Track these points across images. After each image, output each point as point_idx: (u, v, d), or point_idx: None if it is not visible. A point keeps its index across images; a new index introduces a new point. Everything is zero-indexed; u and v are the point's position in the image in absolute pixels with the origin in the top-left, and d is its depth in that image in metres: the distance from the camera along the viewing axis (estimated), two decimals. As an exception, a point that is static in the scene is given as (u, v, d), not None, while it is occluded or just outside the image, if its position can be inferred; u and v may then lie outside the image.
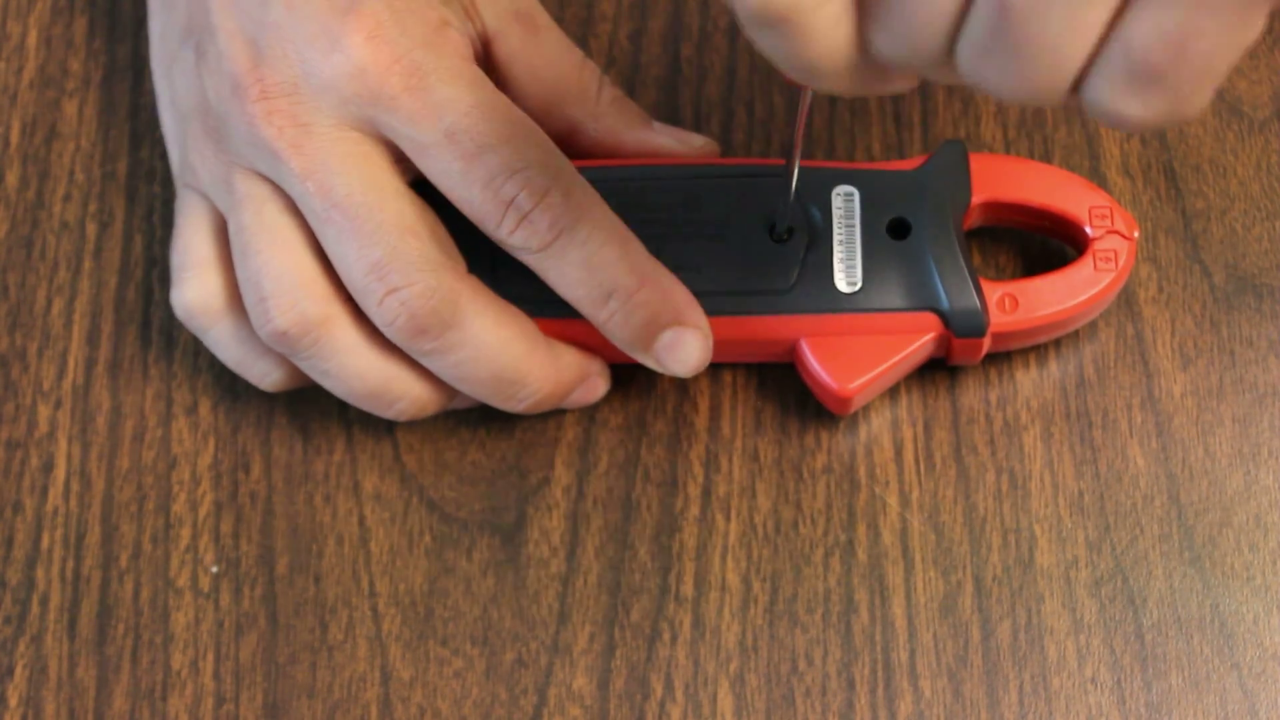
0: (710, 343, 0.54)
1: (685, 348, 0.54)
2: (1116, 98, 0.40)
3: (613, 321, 0.54)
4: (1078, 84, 0.41)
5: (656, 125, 0.58)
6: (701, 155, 0.58)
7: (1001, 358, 0.58)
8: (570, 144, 0.56)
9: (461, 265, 0.54)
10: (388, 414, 0.56)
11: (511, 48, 0.56)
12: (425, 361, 0.54)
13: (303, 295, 0.54)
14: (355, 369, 0.54)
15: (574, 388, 0.56)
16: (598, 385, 0.57)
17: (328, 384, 0.55)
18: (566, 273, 0.53)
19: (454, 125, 0.52)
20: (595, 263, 0.53)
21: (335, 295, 0.54)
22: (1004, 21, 0.39)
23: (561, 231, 0.53)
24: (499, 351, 0.54)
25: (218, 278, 0.56)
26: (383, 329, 0.53)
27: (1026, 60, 0.40)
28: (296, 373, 0.56)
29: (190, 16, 0.56)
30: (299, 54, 0.53)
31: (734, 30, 0.63)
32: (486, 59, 0.56)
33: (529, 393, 0.55)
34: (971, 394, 0.58)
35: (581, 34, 0.63)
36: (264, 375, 0.56)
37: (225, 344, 0.56)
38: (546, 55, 0.56)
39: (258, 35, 0.53)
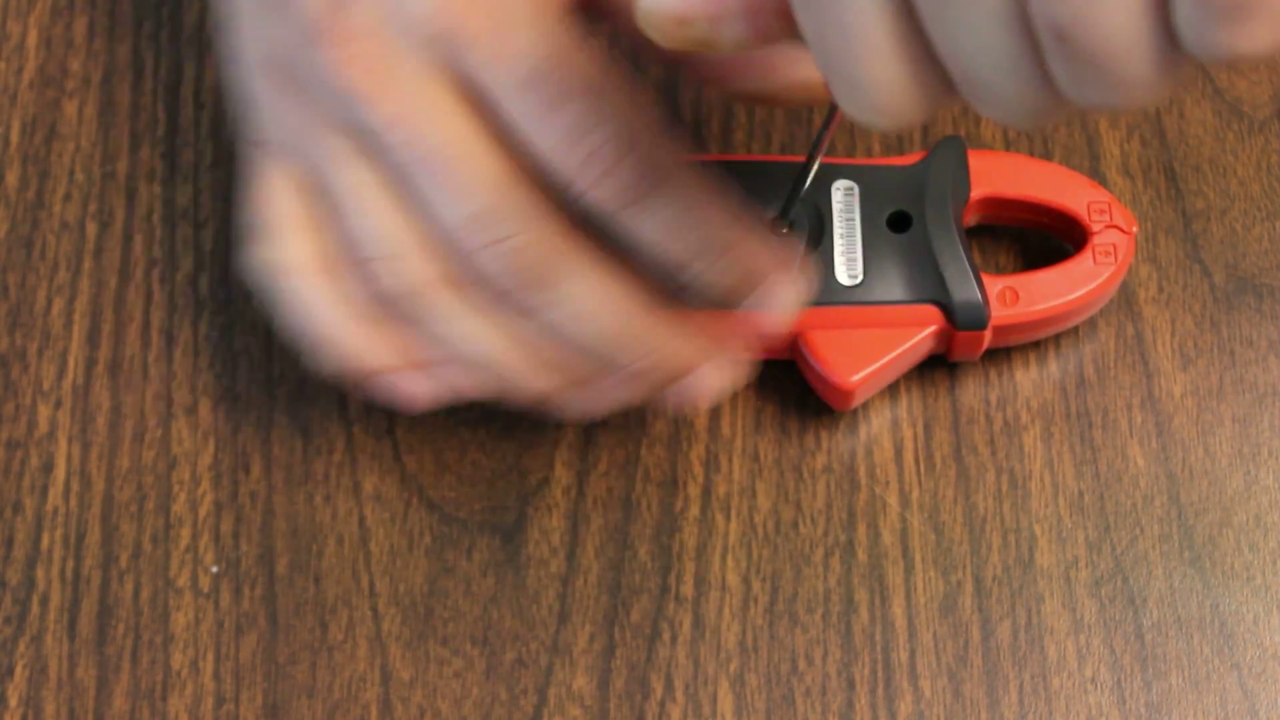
0: (801, 295, 0.52)
1: (775, 301, 0.52)
2: (1207, 29, 0.38)
3: (703, 280, 0.50)
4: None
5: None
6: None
7: (1002, 357, 0.58)
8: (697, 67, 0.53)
9: (561, 218, 0.51)
10: (502, 389, 0.53)
11: None
12: (523, 321, 0.51)
13: (408, 253, 0.51)
14: (468, 332, 0.52)
15: (679, 371, 0.52)
16: (710, 376, 0.53)
17: (441, 349, 0.52)
18: (653, 231, 0.50)
19: (535, 70, 0.49)
20: (685, 220, 0.50)
21: (440, 253, 0.51)
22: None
23: (645, 190, 0.49)
24: (599, 310, 0.51)
25: (306, 237, 0.53)
26: (477, 287, 0.51)
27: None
28: (389, 347, 0.53)
29: None
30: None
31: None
32: None
33: (630, 358, 0.51)
34: (971, 394, 0.58)
35: (581, 34, 0.63)
36: (353, 344, 0.53)
37: (314, 307, 0.53)
38: None
39: None
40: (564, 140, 0.49)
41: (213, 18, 0.63)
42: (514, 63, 0.49)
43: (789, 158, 0.57)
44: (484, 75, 0.50)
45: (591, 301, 0.51)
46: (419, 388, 0.53)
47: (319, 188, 0.52)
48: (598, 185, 0.49)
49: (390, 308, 0.52)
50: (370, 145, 0.51)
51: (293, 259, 0.53)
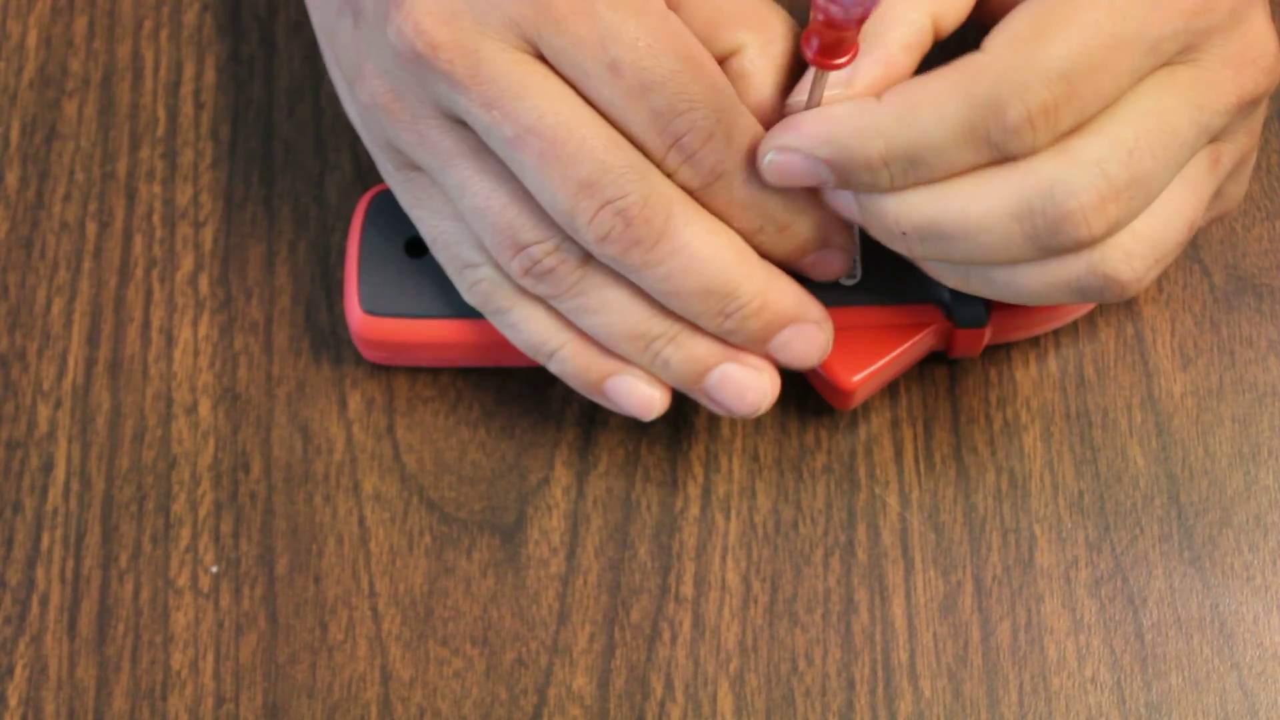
0: (850, 258, 0.55)
1: (825, 265, 0.54)
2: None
3: (764, 249, 0.53)
4: None
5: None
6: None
7: (1002, 357, 0.58)
8: (729, 68, 0.53)
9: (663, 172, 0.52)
10: (644, 359, 0.54)
11: None
12: (635, 276, 0.52)
13: (559, 233, 0.52)
14: (621, 304, 0.53)
15: (787, 317, 0.53)
16: (814, 335, 0.54)
17: (598, 324, 0.53)
18: (725, 208, 0.52)
19: (619, 57, 0.50)
20: (753, 201, 0.52)
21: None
22: None
23: (723, 174, 0.51)
24: (711, 259, 0.52)
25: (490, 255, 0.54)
26: (593, 246, 0.51)
27: None
28: (590, 349, 0.54)
29: None
30: None
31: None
32: None
33: (738, 305, 0.52)
34: (971, 394, 0.58)
35: (581, 34, 0.63)
36: (555, 351, 0.54)
37: (531, 319, 0.54)
38: None
39: None
40: (652, 124, 0.50)
41: (225, 35, 0.63)
42: (600, 47, 0.50)
43: None
44: (568, 57, 0.51)
45: (707, 245, 0.52)
46: (658, 389, 0.55)
47: (451, 189, 0.53)
48: (679, 170, 0.51)
49: (545, 290, 0.53)
50: (473, 126, 0.52)
51: (498, 277, 0.54)
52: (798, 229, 0.53)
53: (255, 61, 0.63)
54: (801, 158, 0.50)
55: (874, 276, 0.56)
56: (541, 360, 0.55)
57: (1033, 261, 0.51)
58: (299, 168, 0.61)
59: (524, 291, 0.54)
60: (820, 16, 0.47)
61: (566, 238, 0.52)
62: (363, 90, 0.53)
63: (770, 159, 0.51)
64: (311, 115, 0.62)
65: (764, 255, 0.53)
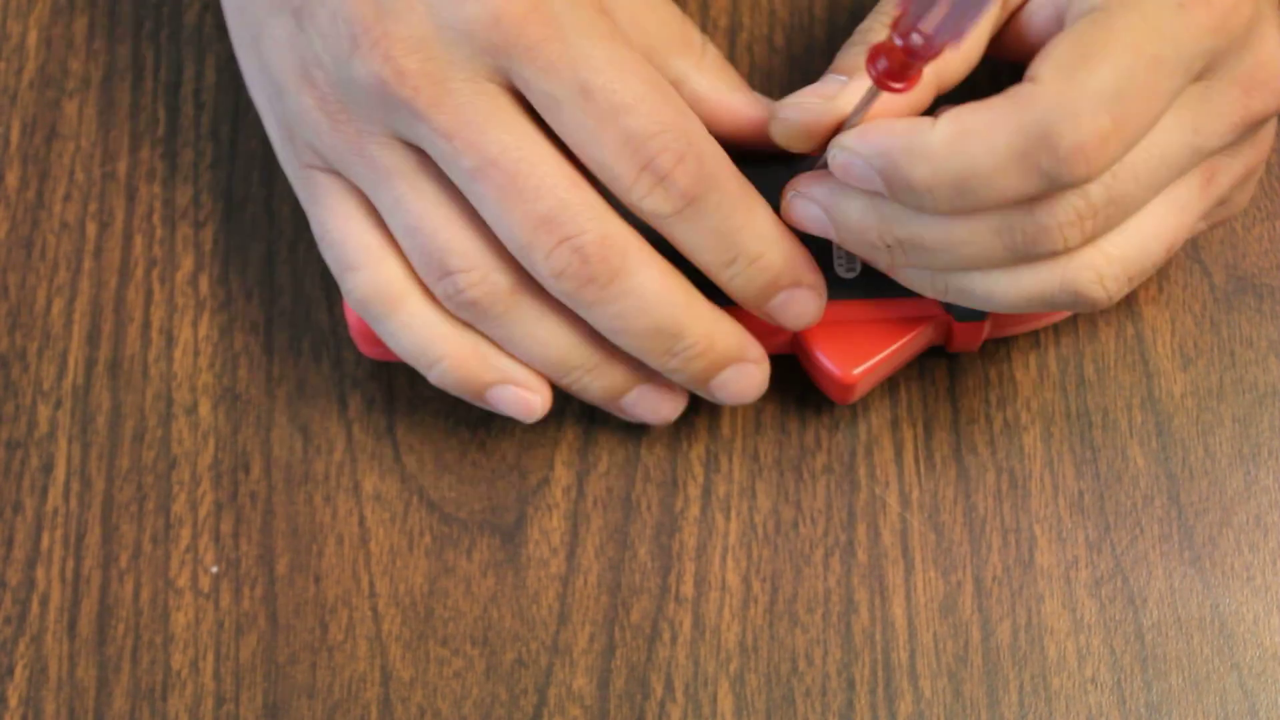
0: (823, 299, 0.54)
1: (798, 304, 0.54)
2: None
3: (734, 283, 0.53)
4: None
5: (754, 95, 0.56)
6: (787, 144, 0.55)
7: (1002, 358, 0.58)
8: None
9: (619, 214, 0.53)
10: (563, 384, 0.55)
11: None
12: (586, 313, 0.52)
13: (489, 262, 0.52)
14: (544, 335, 0.54)
15: (729, 358, 0.54)
16: (754, 375, 0.55)
17: (518, 351, 0.54)
18: (695, 237, 0.52)
19: (589, 81, 0.50)
20: (724, 229, 0.52)
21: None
22: None
23: (695, 197, 0.51)
24: (661, 301, 0.52)
25: (389, 261, 0.54)
26: (548, 281, 0.52)
27: None
28: (469, 360, 0.54)
29: None
30: (427, 4, 0.50)
31: (734, 30, 0.63)
32: None
33: (685, 346, 0.53)
34: (971, 394, 0.58)
35: (581, 34, 0.63)
36: (435, 363, 0.54)
37: (409, 328, 0.54)
38: (648, 3, 0.54)
39: None
40: (619, 152, 0.51)
41: (225, 35, 0.63)
42: (569, 73, 0.50)
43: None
44: (539, 85, 0.51)
45: (655, 288, 0.52)
46: (539, 394, 0.55)
47: (384, 205, 0.53)
48: (650, 195, 0.51)
49: (468, 317, 0.53)
50: (431, 157, 0.52)
51: (379, 285, 0.54)
52: (770, 260, 0.53)
53: (255, 61, 0.63)
54: (863, 162, 0.50)
55: (874, 270, 0.56)
56: (421, 370, 0.55)
57: (1008, 268, 0.51)
58: (299, 168, 0.61)
59: (403, 299, 0.54)
60: (899, 42, 0.47)
61: (495, 269, 0.53)
62: (307, 95, 0.53)
63: (836, 155, 0.51)
64: (311, 115, 0.62)
65: (735, 294, 0.53)
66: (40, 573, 0.56)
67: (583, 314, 0.53)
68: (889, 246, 0.51)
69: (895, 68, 0.48)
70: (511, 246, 0.52)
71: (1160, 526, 0.57)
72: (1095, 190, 0.49)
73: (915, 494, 0.57)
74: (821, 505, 0.57)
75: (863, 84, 0.51)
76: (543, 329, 0.54)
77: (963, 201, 0.49)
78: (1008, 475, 0.57)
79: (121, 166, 0.61)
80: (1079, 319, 0.59)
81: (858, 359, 0.55)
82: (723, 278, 0.53)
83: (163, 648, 0.56)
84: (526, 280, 0.53)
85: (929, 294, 0.53)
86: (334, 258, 0.55)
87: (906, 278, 0.53)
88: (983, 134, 0.48)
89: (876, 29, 0.53)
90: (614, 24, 0.52)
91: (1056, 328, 0.59)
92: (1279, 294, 0.59)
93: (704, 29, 0.63)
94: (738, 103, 0.55)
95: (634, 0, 0.54)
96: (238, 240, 0.60)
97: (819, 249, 0.56)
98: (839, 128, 0.52)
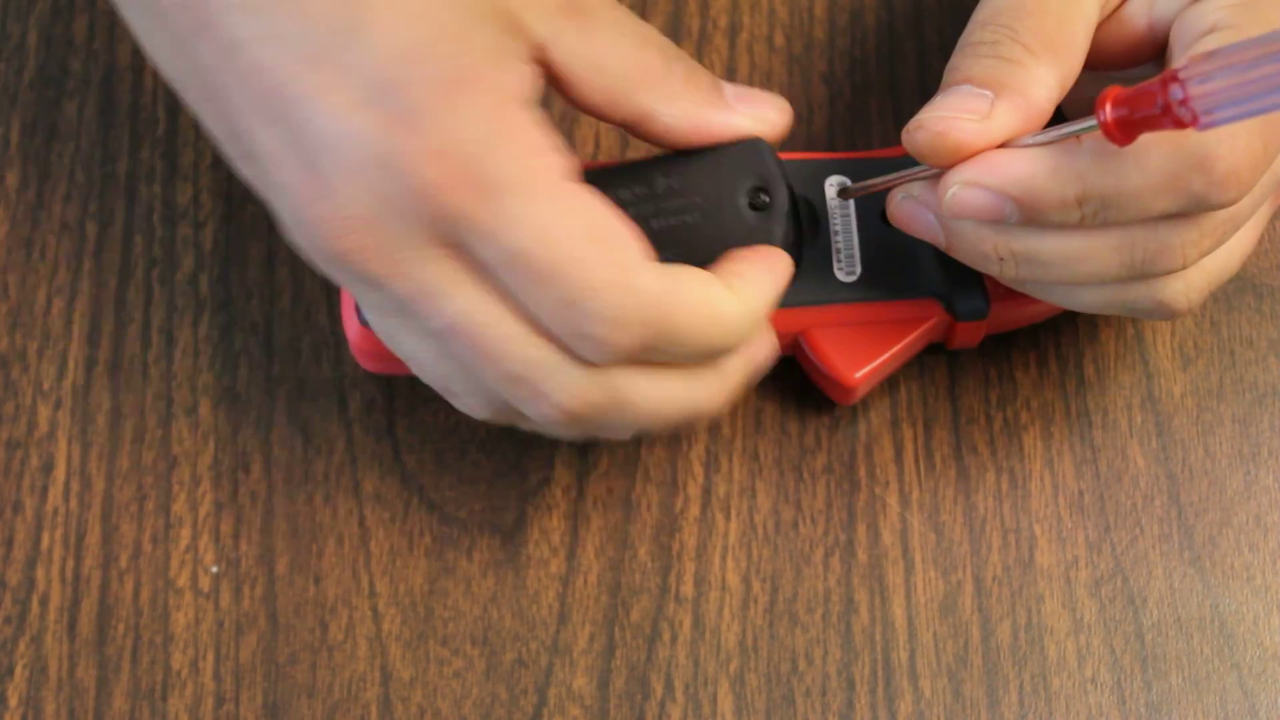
0: (772, 354, 0.54)
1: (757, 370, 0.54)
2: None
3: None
4: None
5: (730, 92, 0.54)
6: (780, 137, 0.55)
7: (1002, 358, 0.58)
8: (645, 131, 0.53)
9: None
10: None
11: (569, 47, 0.52)
12: (598, 433, 0.52)
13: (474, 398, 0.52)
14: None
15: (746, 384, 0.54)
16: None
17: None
18: (653, 365, 0.51)
19: (519, 248, 0.48)
20: (682, 353, 0.51)
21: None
22: None
23: (643, 347, 0.50)
24: (664, 408, 0.52)
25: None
26: (544, 426, 0.52)
27: None
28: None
29: (222, 110, 0.51)
30: (367, 184, 0.49)
31: (734, 30, 0.63)
32: (547, 67, 0.52)
33: (706, 419, 0.53)
34: (971, 394, 0.58)
35: (581, 34, 0.63)
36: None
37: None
38: (606, 42, 0.52)
39: (314, 159, 0.48)
40: (555, 316, 0.49)
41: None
42: (501, 239, 0.49)
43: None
44: (476, 251, 0.49)
45: (652, 402, 0.51)
46: None
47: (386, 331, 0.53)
48: (586, 353, 0.50)
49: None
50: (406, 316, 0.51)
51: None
52: (753, 350, 0.53)
53: (255, 61, 0.63)
54: (990, 194, 0.50)
55: (873, 272, 0.56)
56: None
57: (1111, 284, 0.51)
58: (299, 168, 0.61)
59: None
60: (1157, 109, 0.46)
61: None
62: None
63: (954, 193, 0.51)
64: (311, 115, 0.62)
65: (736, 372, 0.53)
66: (40, 573, 0.56)
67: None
68: (1002, 259, 0.51)
69: (1131, 123, 0.47)
70: (500, 396, 0.52)
71: (1160, 526, 0.57)
72: (1221, 210, 0.49)
73: (915, 494, 0.57)
74: (821, 505, 0.57)
75: (1014, 103, 0.50)
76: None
77: (1098, 220, 0.49)
78: (1008, 475, 0.57)
79: (121, 166, 0.61)
80: (1079, 319, 0.59)
81: (859, 362, 0.56)
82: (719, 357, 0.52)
83: (163, 648, 0.56)
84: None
85: (997, 276, 0.53)
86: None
87: (999, 271, 0.53)
88: (1137, 154, 0.48)
89: (1004, 42, 0.52)
90: (554, 170, 0.50)
91: (1057, 328, 0.59)
92: (1279, 294, 0.59)
93: (704, 29, 0.63)
94: (708, 122, 0.53)
95: (589, 49, 0.52)
96: (238, 240, 0.60)
97: (817, 252, 0.56)
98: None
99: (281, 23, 0.48)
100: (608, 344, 0.49)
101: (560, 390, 0.50)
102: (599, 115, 0.52)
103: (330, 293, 0.60)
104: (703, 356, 0.51)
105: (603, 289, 0.49)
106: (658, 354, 0.50)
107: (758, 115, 0.54)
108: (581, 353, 0.50)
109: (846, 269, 0.56)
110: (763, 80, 0.62)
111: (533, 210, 0.49)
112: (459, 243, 0.49)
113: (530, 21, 0.51)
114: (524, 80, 0.50)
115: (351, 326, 0.56)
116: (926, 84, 0.62)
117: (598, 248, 0.49)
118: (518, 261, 0.49)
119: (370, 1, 0.48)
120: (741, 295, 0.52)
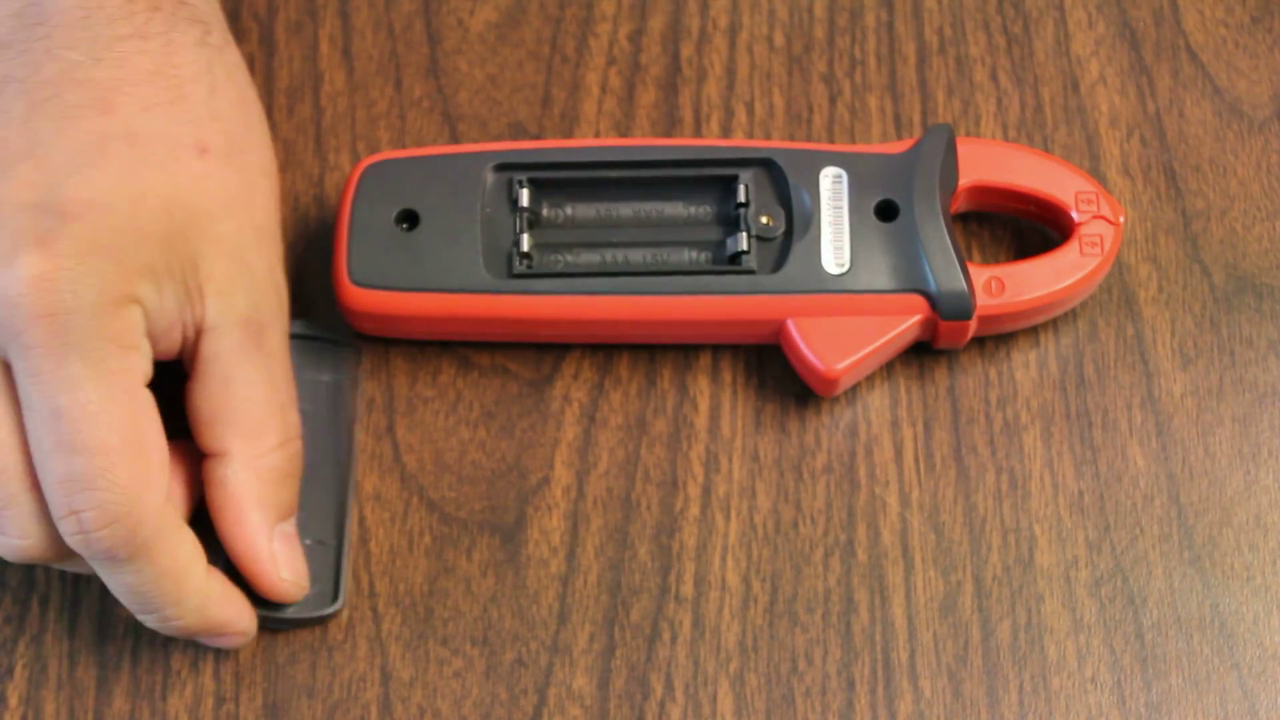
0: (252, 633, 0.54)
1: (218, 643, 0.54)
2: None
3: (148, 620, 0.53)
4: None
5: (279, 536, 0.54)
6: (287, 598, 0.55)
7: (1002, 358, 0.58)
8: (212, 469, 0.53)
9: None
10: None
11: (219, 349, 0.53)
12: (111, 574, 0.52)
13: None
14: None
15: (214, 629, 0.54)
16: (236, 641, 0.54)
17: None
18: (111, 582, 0.52)
19: (62, 409, 0.49)
20: (142, 590, 0.51)
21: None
22: None
23: (115, 559, 0.50)
24: (153, 591, 0.52)
25: None
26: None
27: None
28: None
29: None
30: None
31: (734, 30, 0.63)
32: (192, 346, 0.53)
33: (169, 617, 0.53)
34: (971, 394, 0.58)
35: (581, 34, 0.63)
36: None
37: None
38: (250, 378, 0.53)
39: None
40: (58, 485, 0.50)
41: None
42: (48, 390, 0.49)
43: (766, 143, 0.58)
44: (20, 382, 0.50)
45: (151, 580, 0.52)
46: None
47: None
48: (71, 537, 0.50)
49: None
50: None
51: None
52: (186, 623, 0.53)
53: (255, 61, 0.63)
54: None
55: (861, 264, 0.56)
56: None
57: None
58: (299, 167, 0.61)
59: None
60: None
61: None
62: None
63: None
64: (311, 115, 0.62)
65: (156, 626, 0.53)
66: (40, 573, 0.56)
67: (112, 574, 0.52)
68: None
69: None
70: None
71: (1160, 526, 0.57)
72: None
73: (915, 494, 0.57)
74: (821, 505, 0.57)
75: None
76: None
77: None
78: (1008, 475, 0.57)
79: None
80: (1079, 319, 0.59)
81: (841, 354, 0.56)
82: (144, 620, 0.53)
83: (163, 648, 0.56)
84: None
85: None
86: None
87: None
88: None
89: None
90: (130, 369, 0.50)
91: (1057, 328, 0.59)
92: (1279, 294, 0.59)
93: (704, 29, 0.63)
94: (246, 522, 0.53)
95: (234, 368, 0.53)
96: (238, 240, 0.60)
97: (808, 242, 0.56)
98: None
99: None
100: (93, 536, 0.50)
101: (24, 538, 0.51)
102: (191, 411, 0.53)
103: (330, 293, 0.60)
104: (163, 594, 0.52)
105: (123, 486, 0.50)
106: (119, 571, 0.51)
107: (291, 570, 0.54)
108: (60, 524, 0.50)
109: (836, 260, 0.56)
110: (763, 80, 0.62)
111: (92, 384, 0.49)
112: (12, 365, 0.50)
113: (211, 300, 0.52)
114: (139, 329, 0.51)
115: (343, 286, 0.56)
116: (926, 84, 0.62)
117: (135, 451, 0.50)
118: (54, 419, 0.49)
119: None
120: (212, 580, 0.53)
